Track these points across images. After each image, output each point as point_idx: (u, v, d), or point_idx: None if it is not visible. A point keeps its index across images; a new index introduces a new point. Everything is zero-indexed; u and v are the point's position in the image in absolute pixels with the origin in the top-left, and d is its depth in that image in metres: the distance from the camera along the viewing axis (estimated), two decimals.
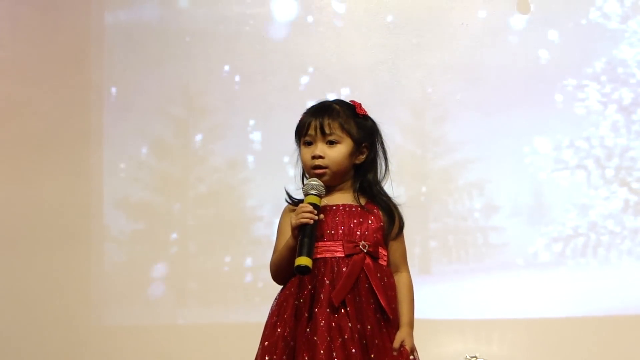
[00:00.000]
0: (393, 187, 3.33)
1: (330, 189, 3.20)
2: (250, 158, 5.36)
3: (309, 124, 3.21)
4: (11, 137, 5.47)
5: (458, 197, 5.23)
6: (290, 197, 3.30)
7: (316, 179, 3.17)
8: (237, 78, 5.41)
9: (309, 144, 3.23)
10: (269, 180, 5.24)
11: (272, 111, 5.33)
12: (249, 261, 5.30)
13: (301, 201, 3.21)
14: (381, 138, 3.32)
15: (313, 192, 3.12)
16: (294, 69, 5.37)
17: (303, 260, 3.00)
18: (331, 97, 3.40)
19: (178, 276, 5.36)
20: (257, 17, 5.43)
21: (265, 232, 5.20)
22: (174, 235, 5.40)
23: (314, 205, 3.09)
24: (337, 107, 3.25)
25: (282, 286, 3.23)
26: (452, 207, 5.24)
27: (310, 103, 3.34)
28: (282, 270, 3.20)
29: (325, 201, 3.18)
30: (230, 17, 5.44)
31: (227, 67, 5.42)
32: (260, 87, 5.39)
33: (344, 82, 5.29)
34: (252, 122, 5.38)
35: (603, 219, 5.17)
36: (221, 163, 5.39)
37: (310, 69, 5.36)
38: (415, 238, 5.09)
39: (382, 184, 3.30)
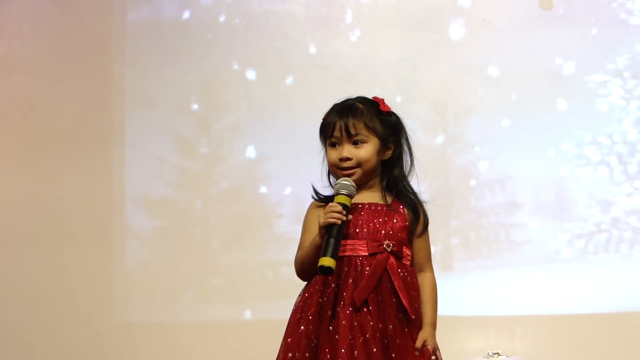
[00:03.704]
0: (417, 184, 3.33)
1: (357, 186, 3.18)
2: (272, 155, 5.36)
3: (334, 125, 3.21)
4: (34, 134, 5.49)
5: (480, 194, 5.22)
6: (317, 193, 3.30)
7: (348, 178, 3.15)
8: (258, 75, 5.41)
9: (335, 145, 3.22)
10: (290, 178, 5.24)
11: (293, 108, 5.33)
12: (270, 258, 5.30)
13: (327, 197, 3.23)
14: (406, 133, 3.32)
15: (344, 192, 3.11)
16: (316, 65, 5.36)
17: (327, 261, 2.99)
18: (352, 93, 3.35)
19: (200, 273, 5.37)
20: (279, 14, 5.43)
21: (287, 229, 5.21)
22: (196, 232, 5.41)
23: (344, 206, 3.08)
24: (361, 105, 3.24)
25: (306, 282, 3.23)
26: (473, 203, 5.23)
27: (331, 100, 3.33)
28: (307, 267, 3.19)
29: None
30: (251, 13, 5.44)
31: (248, 64, 5.42)
32: (281, 84, 5.39)
33: (365, 78, 5.28)
34: (273, 120, 5.38)
35: (625, 215, 5.15)
36: (242, 160, 5.39)
37: (331, 66, 5.35)
38: (436, 234, 5.07)
39: (408, 178, 3.30)
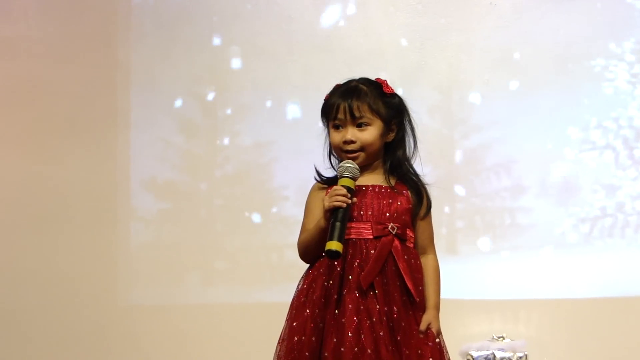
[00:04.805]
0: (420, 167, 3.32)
1: (361, 169, 3.17)
2: (277, 138, 5.35)
3: (338, 107, 3.19)
4: (38, 117, 5.49)
5: (485, 177, 5.22)
6: (319, 174, 3.28)
7: (351, 161, 3.14)
8: (263, 58, 5.40)
9: (339, 127, 3.21)
10: (295, 160, 5.23)
11: (298, 91, 5.32)
12: (275, 240, 5.30)
13: (330, 179, 3.22)
14: (409, 115, 3.30)
15: (347, 174, 3.09)
16: (321, 48, 5.35)
17: (334, 245, 2.97)
18: (358, 76, 3.34)
19: (205, 256, 5.37)
20: None
21: (292, 211, 5.19)
22: (201, 215, 5.41)
23: (348, 189, 3.07)
24: (364, 87, 3.22)
25: (309, 264, 3.22)
26: (479, 187, 5.23)
27: (336, 82, 3.32)
28: (311, 250, 3.18)
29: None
30: None
31: (253, 47, 5.41)
32: (287, 67, 5.38)
33: (371, 61, 5.27)
34: (278, 102, 5.37)
35: (631, 200, 5.15)
36: (248, 143, 5.39)
37: (337, 49, 5.34)
38: (442, 218, 5.08)
39: (412, 161, 3.29)
